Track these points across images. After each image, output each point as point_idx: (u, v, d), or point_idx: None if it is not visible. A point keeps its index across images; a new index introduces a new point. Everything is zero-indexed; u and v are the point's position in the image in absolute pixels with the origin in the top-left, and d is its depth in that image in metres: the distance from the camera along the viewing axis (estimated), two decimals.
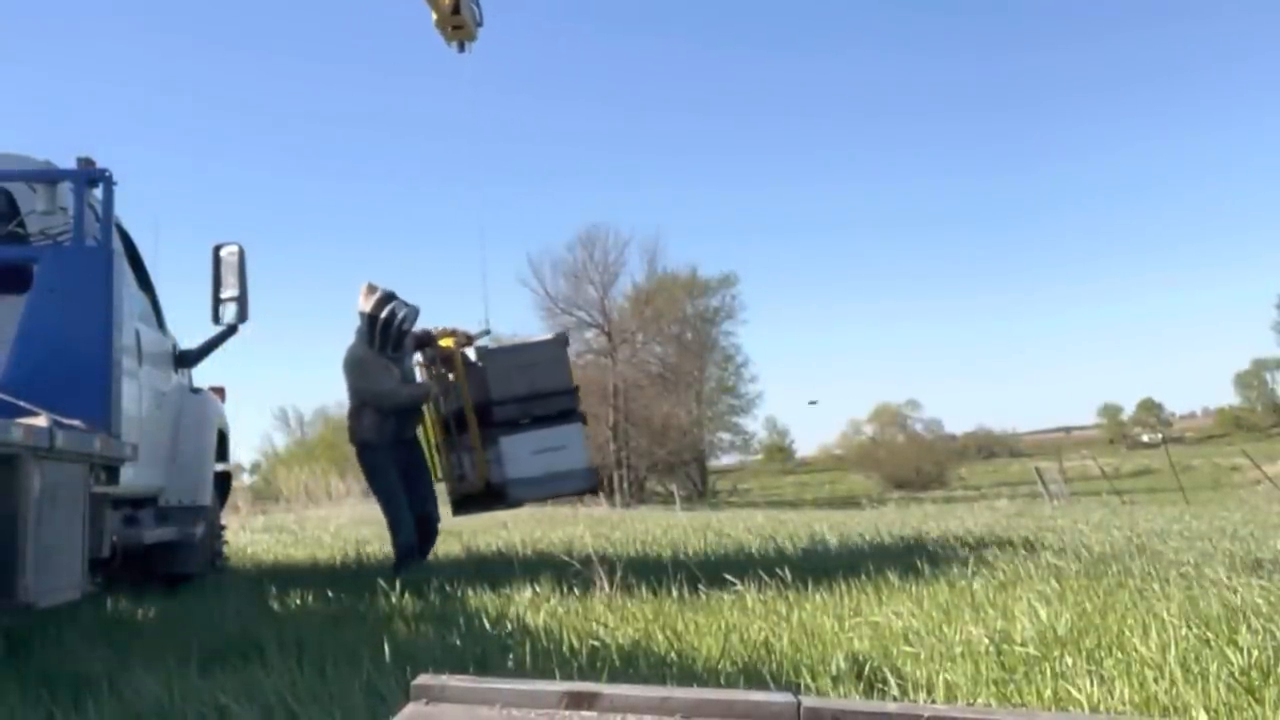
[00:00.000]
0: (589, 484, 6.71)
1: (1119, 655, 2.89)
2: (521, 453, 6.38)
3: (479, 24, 7.55)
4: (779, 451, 72.83)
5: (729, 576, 5.10)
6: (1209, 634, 3.01)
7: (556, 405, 6.54)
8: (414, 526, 6.58)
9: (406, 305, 6.56)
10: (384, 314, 6.47)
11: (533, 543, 8.99)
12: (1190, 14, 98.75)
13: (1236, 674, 2.51)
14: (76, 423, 3.64)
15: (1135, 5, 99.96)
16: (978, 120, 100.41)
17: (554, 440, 6.37)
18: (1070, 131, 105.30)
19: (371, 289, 6.58)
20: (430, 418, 6.84)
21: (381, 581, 5.13)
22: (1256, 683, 2.44)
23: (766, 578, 5.01)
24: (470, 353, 6.89)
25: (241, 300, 6.01)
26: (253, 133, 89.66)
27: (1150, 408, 79.04)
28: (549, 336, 7.21)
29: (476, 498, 6.67)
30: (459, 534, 11.34)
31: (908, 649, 3.21)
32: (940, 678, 2.66)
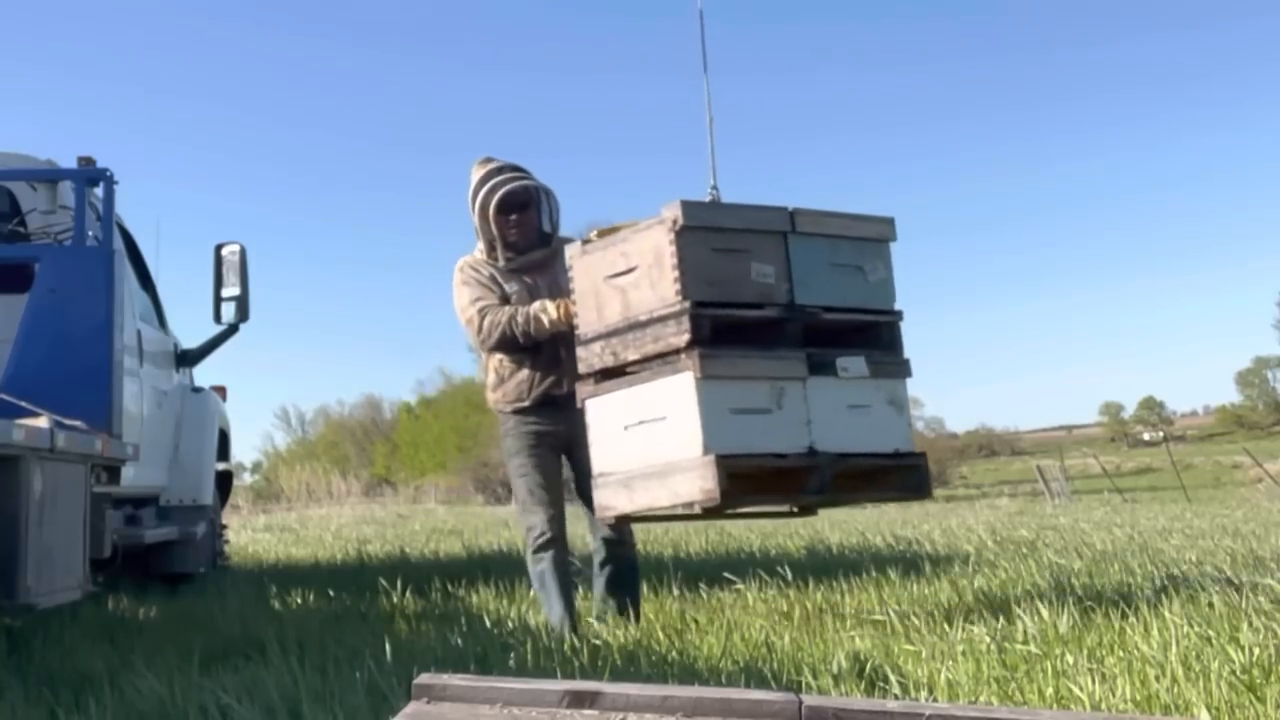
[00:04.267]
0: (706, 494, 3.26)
1: (1120, 653, 2.89)
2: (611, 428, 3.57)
3: None
4: None
5: (730, 575, 5.10)
6: (1210, 632, 3.01)
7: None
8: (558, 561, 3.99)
9: (519, 176, 4.06)
10: (478, 194, 4.04)
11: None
12: (1192, 18, 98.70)
13: (1238, 672, 2.51)
14: (77, 423, 3.65)
15: (1139, 10, 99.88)
16: (979, 120, 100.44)
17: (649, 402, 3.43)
18: (1073, 131, 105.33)
19: (483, 163, 4.15)
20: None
21: (383, 581, 5.13)
22: (1258, 681, 2.44)
23: (767, 576, 5.01)
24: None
25: (243, 299, 6.02)
26: (254, 131, 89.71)
27: (1151, 406, 78.97)
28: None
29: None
30: (459, 533, 11.34)
31: (909, 647, 3.21)
32: (942, 676, 2.66)
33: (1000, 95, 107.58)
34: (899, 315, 3.66)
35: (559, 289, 3.98)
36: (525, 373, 4.04)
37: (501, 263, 4.09)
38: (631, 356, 3.48)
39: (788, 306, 3.45)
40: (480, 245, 4.15)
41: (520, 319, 3.96)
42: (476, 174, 4.12)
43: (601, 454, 3.57)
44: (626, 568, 4.16)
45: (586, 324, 3.62)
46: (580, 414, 3.73)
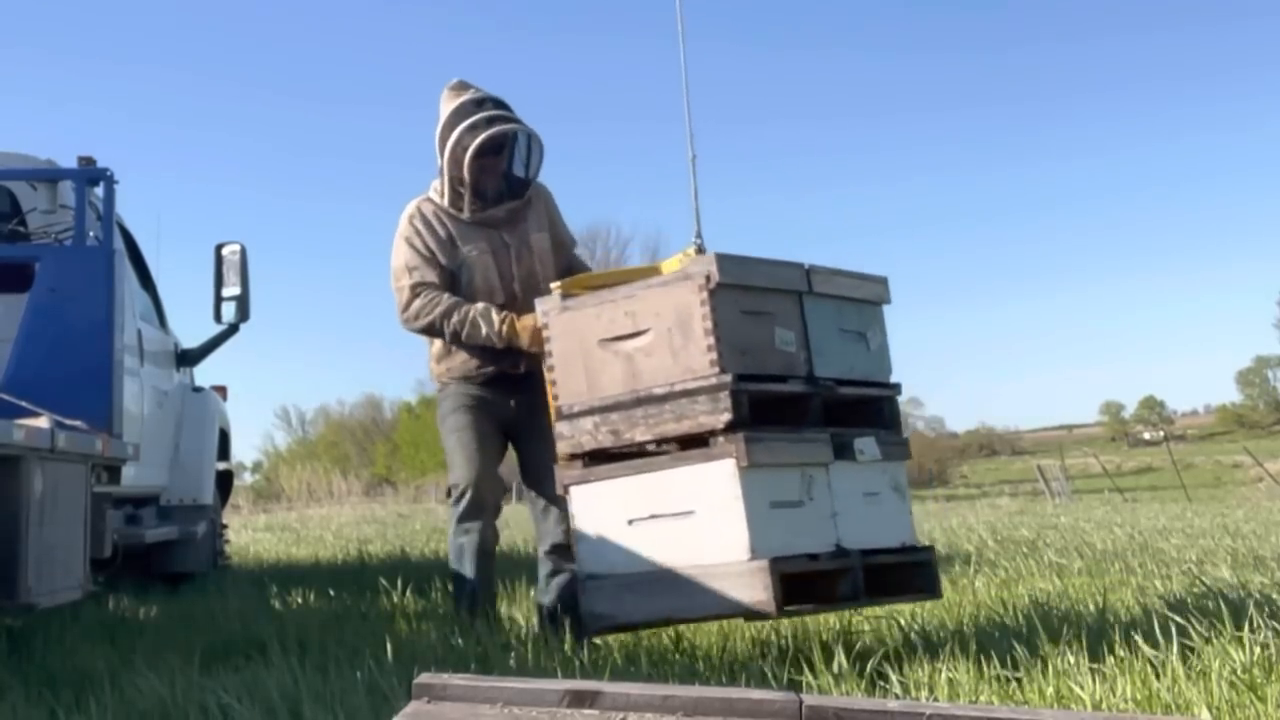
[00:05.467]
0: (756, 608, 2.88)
1: (1121, 653, 2.89)
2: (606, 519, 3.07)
3: None
4: None
5: None
6: (1211, 631, 3.01)
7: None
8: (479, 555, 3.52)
9: (506, 116, 3.48)
10: (454, 131, 3.43)
11: (534, 540, 8.99)
12: (1193, 14, 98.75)
13: (1239, 672, 2.51)
14: (78, 423, 3.65)
15: (1138, 4, 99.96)
16: (980, 117, 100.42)
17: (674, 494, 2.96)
18: (1073, 128, 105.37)
19: (458, 90, 3.53)
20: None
21: (384, 580, 5.13)
22: (1259, 680, 2.44)
23: None
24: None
25: (243, 299, 6.02)
26: (255, 130, 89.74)
27: (1152, 405, 78.96)
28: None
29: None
30: None
31: (910, 647, 3.20)
32: (942, 675, 2.66)
33: (1001, 90, 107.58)
34: (898, 389, 3.29)
35: (528, 247, 3.54)
36: (456, 356, 3.56)
37: (466, 214, 3.51)
38: (641, 437, 2.96)
39: (809, 379, 3.03)
40: (437, 185, 3.56)
41: (456, 321, 3.42)
42: (450, 103, 3.48)
43: (593, 552, 3.00)
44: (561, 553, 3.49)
45: (571, 394, 3.05)
46: (538, 397, 3.32)
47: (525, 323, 3.37)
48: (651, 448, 3.03)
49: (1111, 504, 18.72)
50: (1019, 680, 2.63)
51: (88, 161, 4.45)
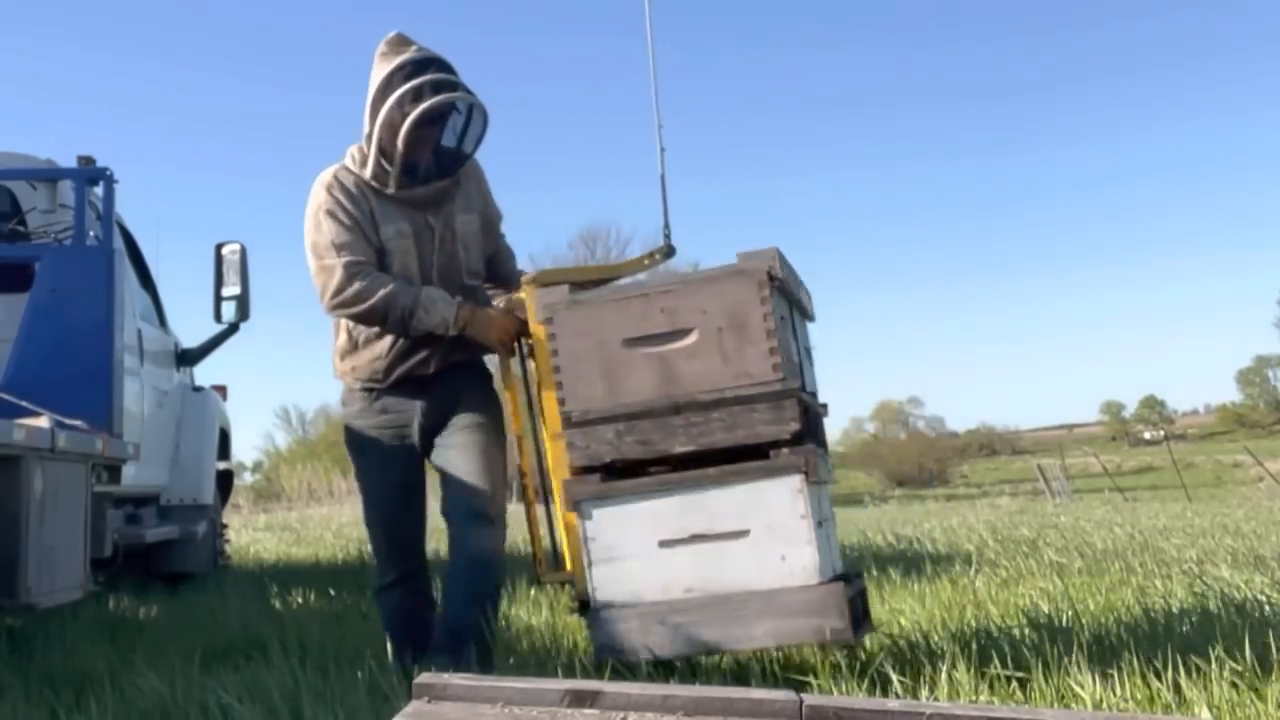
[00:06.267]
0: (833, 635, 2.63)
1: (1121, 652, 2.88)
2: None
3: None
4: None
5: None
6: (1212, 630, 3.01)
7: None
8: (413, 591, 3.22)
9: (453, 81, 3.02)
10: (390, 94, 2.97)
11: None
12: (1197, 5, 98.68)
13: (1240, 671, 2.51)
14: (78, 423, 3.65)
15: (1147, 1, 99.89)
16: (981, 117, 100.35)
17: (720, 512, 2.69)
18: (1073, 128, 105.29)
19: (397, 46, 3.07)
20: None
21: None
22: (1258, 682, 2.44)
23: None
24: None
25: (243, 298, 6.02)
26: (256, 130, 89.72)
27: (1152, 405, 79.00)
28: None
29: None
30: None
31: (910, 646, 3.20)
32: (943, 674, 2.66)
33: (1003, 89, 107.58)
34: (826, 410, 3.10)
35: (452, 231, 3.12)
36: (384, 343, 3.08)
37: (391, 189, 3.03)
38: (680, 448, 2.68)
39: (811, 394, 2.90)
40: (356, 153, 3.09)
41: (405, 305, 2.96)
42: (389, 61, 3.01)
43: (612, 578, 2.66)
44: (492, 608, 3.04)
45: (584, 399, 2.72)
46: (447, 400, 3.08)
47: (489, 314, 3.05)
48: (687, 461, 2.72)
49: (1112, 503, 18.72)
50: (1019, 680, 2.63)
51: (87, 161, 4.45)
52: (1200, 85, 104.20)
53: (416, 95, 2.93)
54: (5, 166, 4.89)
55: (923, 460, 55.61)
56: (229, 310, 6.04)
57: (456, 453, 3.06)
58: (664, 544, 2.64)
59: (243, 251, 6.02)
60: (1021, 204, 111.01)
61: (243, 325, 6.13)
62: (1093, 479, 35.94)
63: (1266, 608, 3.58)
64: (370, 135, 3.01)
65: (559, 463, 2.83)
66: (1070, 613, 3.51)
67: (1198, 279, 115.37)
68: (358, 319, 3.03)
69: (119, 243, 4.60)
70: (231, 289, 6.00)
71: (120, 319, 4.29)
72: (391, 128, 2.94)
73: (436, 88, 2.95)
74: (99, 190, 4.42)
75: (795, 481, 2.59)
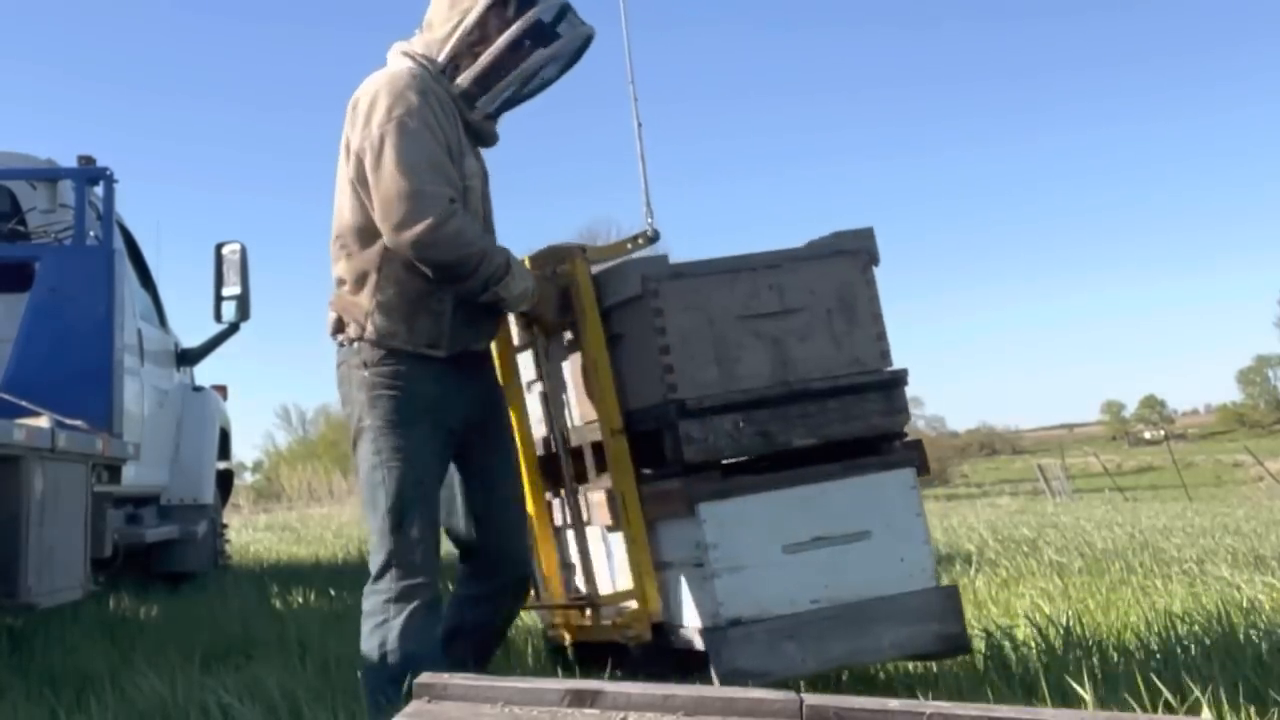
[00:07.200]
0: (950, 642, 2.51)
1: (1122, 652, 2.88)
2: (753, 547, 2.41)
3: None
4: None
5: None
6: (1211, 630, 3.00)
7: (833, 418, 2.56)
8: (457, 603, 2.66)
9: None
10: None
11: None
12: (1199, 8, 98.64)
13: (1243, 670, 2.51)
14: (78, 423, 3.65)
15: (1148, 5, 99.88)
16: (982, 116, 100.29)
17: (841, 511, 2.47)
18: (1074, 128, 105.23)
19: None
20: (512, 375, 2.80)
21: None
22: (1258, 683, 2.44)
23: None
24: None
25: (243, 298, 6.02)
26: (256, 129, 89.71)
27: (1152, 404, 78.98)
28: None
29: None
30: None
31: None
32: (943, 674, 2.66)
33: (1004, 87, 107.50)
34: None
35: (488, 185, 2.60)
36: (447, 305, 2.41)
37: (475, 114, 2.49)
38: (800, 441, 2.41)
39: None
40: (425, 58, 2.47)
41: (499, 265, 2.38)
42: None
43: (739, 591, 2.29)
44: (495, 638, 2.70)
45: (697, 384, 2.36)
46: (494, 389, 2.59)
47: (550, 289, 2.56)
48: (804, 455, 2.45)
49: (1112, 503, 18.71)
50: (1019, 679, 2.63)
51: (87, 161, 4.45)
52: (1200, 83, 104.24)
53: (562, 12, 2.47)
54: (5, 166, 4.89)
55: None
56: (229, 310, 6.04)
57: (511, 491, 2.60)
58: (788, 549, 2.36)
59: (243, 251, 6.01)
60: (1021, 204, 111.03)
61: (243, 325, 6.13)
62: (1093, 479, 35.91)
63: (1267, 606, 3.58)
64: (465, 35, 2.44)
65: (619, 462, 2.44)
66: (1070, 613, 3.51)
67: (1198, 278, 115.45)
68: (435, 266, 2.33)
69: (119, 242, 4.60)
70: (232, 289, 6.00)
71: (120, 319, 4.29)
72: (506, 30, 2.41)
73: (574, 21, 2.50)
74: (99, 190, 4.42)
75: (909, 476, 2.44)
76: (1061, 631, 3.05)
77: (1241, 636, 2.83)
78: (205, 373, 6.85)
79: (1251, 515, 11.62)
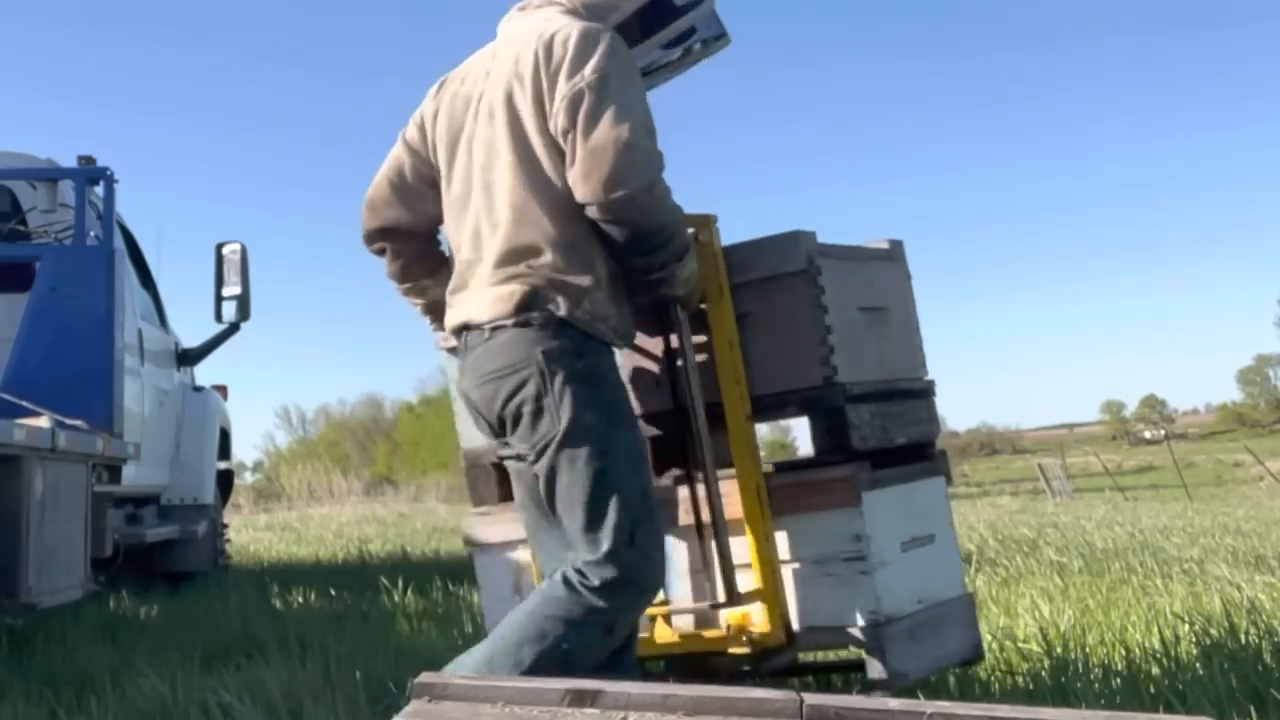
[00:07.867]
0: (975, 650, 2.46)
1: (1122, 652, 2.88)
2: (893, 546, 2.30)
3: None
4: (781, 449, 72.80)
5: None
6: (1212, 630, 3.00)
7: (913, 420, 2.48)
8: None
9: None
10: None
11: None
12: (1195, 17, 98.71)
13: (1243, 669, 2.51)
14: (78, 423, 3.65)
15: (1140, 7, 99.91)
16: (981, 116, 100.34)
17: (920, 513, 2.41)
18: (1074, 128, 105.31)
19: None
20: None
21: (384, 580, 5.13)
22: (1258, 684, 2.44)
23: None
24: None
25: (244, 298, 6.02)
26: (256, 130, 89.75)
27: (1153, 404, 78.94)
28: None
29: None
30: (460, 532, 11.33)
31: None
32: (942, 674, 2.66)
33: (1005, 88, 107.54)
34: None
35: None
36: (625, 297, 2.15)
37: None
38: (900, 439, 2.34)
39: None
40: (602, 14, 2.19)
41: (685, 242, 2.14)
42: None
43: (887, 587, 2.15)
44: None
45: (849, 370, 2.24)
46: None
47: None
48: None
49: (1112, 503, 18.69)
50: (1020, 678, 2.63)
51: (88, 160, 4.46)
52: (1200, 87, 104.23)
53: None
54: (5, 166, 4.89)
55: None
56: (229, 310, 6.04)
57: None
58: (904, 546, 2.25)
59: (243, 251, 6.02)
60: (1021, 203, 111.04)
61: (243, 325, 6.13)
62: (1093, 478, 35.89)
63: (1267, 606, 3.57)
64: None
65: (750, 450, 2.22)
66: (1070, 612, 3.51)
67: (1198, 278, 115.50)
68: (637, 231, 2.04)
69: (119, 242, 4.60)
70: (232, 289, 6.00)
71: (121, 318, 4.29)
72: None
73: None
74: (99, 190, 4.42)
75: (943, 485, 2.43)
76: (1062, 631, 3.05)
77: (1242, 636, 2.82)
78: (205, 373, 6.86)
79: (1252, 515, 11.61)
